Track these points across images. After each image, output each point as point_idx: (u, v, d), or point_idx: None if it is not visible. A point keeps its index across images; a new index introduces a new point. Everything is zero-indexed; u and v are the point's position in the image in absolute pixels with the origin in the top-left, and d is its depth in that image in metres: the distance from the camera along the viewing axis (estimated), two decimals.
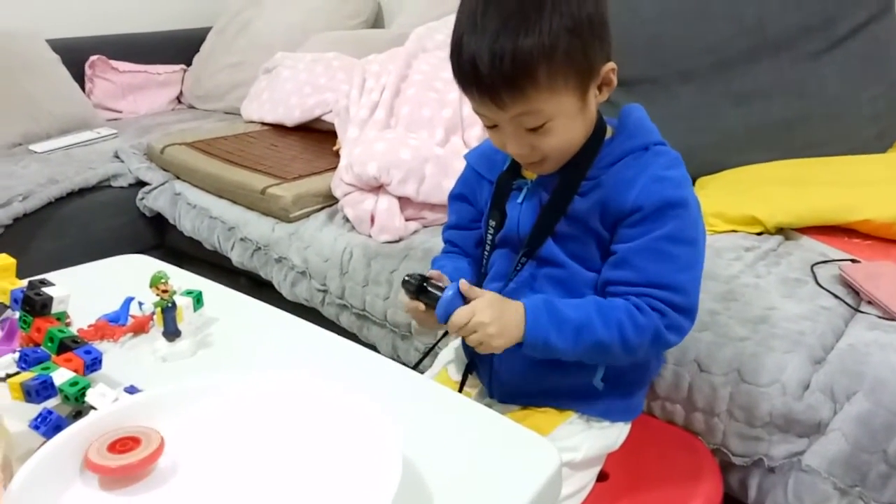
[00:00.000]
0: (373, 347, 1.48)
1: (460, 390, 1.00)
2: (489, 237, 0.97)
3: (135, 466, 0.61)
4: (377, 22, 2.77)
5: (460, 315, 0.82)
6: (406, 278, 0.86)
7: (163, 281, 0.90)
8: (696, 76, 1.74)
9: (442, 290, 0.83)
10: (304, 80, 2.21)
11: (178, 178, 2.06)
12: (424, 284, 0.85)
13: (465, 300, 0.83)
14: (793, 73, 1.64)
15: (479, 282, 0.98)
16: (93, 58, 2.71)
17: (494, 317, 0.82)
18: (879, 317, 1.09)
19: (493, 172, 0.98)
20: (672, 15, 1.77)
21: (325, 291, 1.57)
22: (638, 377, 0.96)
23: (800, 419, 0.96)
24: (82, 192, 2.03)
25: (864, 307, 1.14)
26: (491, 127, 0.85)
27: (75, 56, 2.65)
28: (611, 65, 0.82)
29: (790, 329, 1.06)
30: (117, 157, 2.17)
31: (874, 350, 0.99)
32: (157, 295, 0.89)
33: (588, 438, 0.93)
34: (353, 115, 1.72)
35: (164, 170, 2.11)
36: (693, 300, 0.84)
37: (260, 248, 1.71)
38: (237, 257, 1.78)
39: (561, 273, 0.89)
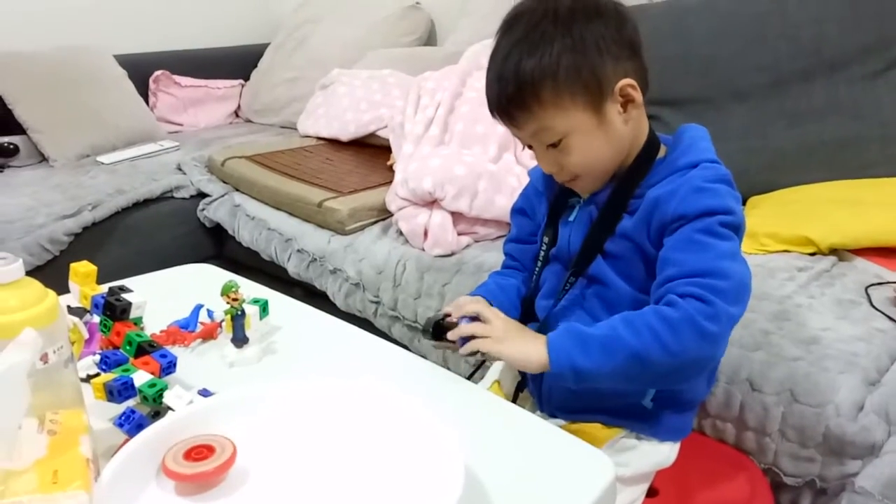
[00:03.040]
0: (424, 359, 1.51)
1: (514, 401, 1.02)
2: (542, 252, 0.99)
3: (209, 474, 0.63)
4: (430, 39, 2.82)
5: (475, 329, 0.86)
6: (424, 328, 0.91)
7: (234, 290, 0.95)
8: (750, 96, 1.74)
9: (455, 324, 0.87)
10: (360, 96, 2.27)
11: (238, 190, 2.13)
12: (441, 326, 0.89)
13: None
14: (848, 93, 1.63)
15: (530, 298, 1.01)
16: (157, 73, 2.82)
17: (503, 329, 0.86)
18: None
19: (551, 189, 1.01)
20: (727, 35, 1.78)
21: (377, 303, 1.61)
22: (689, 397, 0.95)
23: (853, 441, 0.96)
24: (147, 202, 2.12)
25: None
26: (529, 147, 0.90)
27: (140, 71, 2.76)
28: (627, 81, 0.83)
29: (844, 350, 1.05)
30: (180, 169, 2.26)
31: None
32: (228, 303, 0.94)
33: (637, 455, 0.94)
34: (407, 132, 1.76)
35: (224, 182, 2.18)
36: (736, 285, 0.78)
37: (315, 260, 1.76)
38: (293, 268, 1.83)
39: (609, 293, 0.90)
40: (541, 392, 1.00)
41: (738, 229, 0.84)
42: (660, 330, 0.77)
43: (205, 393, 0.82)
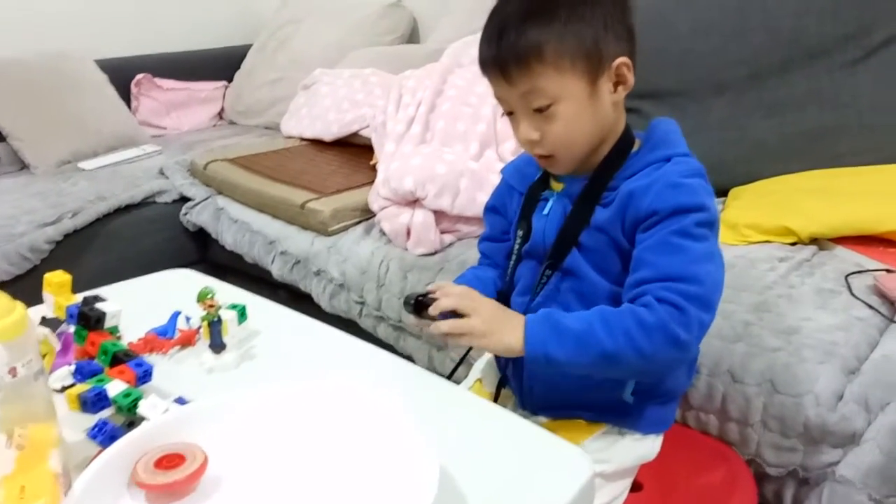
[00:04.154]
0: (409, 358, 1.51)
1: (494, 402, 1.02)
2: (516, 248, 0.99)
3: (180, 483, 0.63)
4: (413, 37, 2.82)
5: (455, 326, 0.84)
6: (406, 300, 0.89)
7: (209, 296, 0.94)
8: (730, 88, 1.75)
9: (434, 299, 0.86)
10: (343, 95, 2.26)
11: (221, 193, 2.12)
12: (422, 300, 0.87)
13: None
14: (827, 82, 1.64)
15: (506, 293, 1.01)
16: (138, 76, 2.81)
17: (486, 321, 0.84)
18: None
19: (524, 184, 1.00)
20: (706, 28, 1.78)
21: (362, 304, 1.61)
22: (669, 389, 0.95)
23: (834, 430, 0.97)
24: (129, 207, 2.11)
25: None
26: (509, 114, 0.89)
27: (122, 75, 2.75)
28: (623, 59, 0.84)
29: (823, 340, 1.06)
30: (162, 173, 2.25)
31: None
32: (204, 309, 0.93)
33: (619, 450, 0.94)
34: (389, 130, 1.76)
35: (207, 185, 2.17)
36: (708, 291, 0.79)
37: (299, 262, 1.76)
38: (277, 270, 1.82)
39: (584, 286, 0.90)
40: (521, 390, 1.01)
41: (712, 225, 0.84)
42: (634, 333, 0.78)
43: (181, 401, 0.81)
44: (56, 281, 0.97)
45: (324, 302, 1.70)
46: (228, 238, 2.00)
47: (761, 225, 1.45)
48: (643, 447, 0.96)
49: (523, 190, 1.00)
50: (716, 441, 1.09)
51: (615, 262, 0.88)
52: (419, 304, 0.88)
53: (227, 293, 1.13)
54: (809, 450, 1.00)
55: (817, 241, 1.42)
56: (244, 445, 0.69)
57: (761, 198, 1.59)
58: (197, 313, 0.95)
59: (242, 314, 0.97)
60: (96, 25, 2.84)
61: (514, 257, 1.00)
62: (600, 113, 0.86)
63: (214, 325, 0.92)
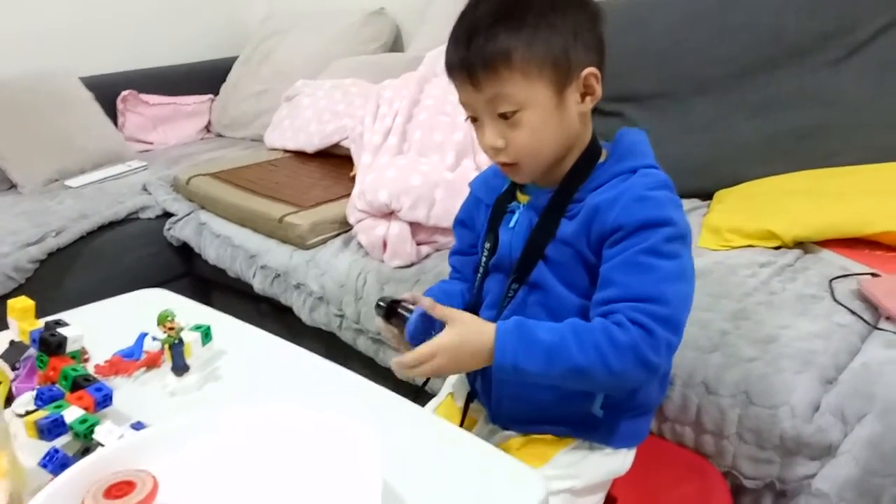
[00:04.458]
0: (388, 371, 1.49)
1: (463, 417, 1.01)
2: (483, 261, 0.98)
3: None
4: (396, 45, 2.80)
5: (422, 352, 0.82)
6: (378, 302, 0.88)
7: (169, 319, 0.94)
8: (712, 88, 1.73)
9: (411, 311, 0.84)
10: (324, 106, 2.25)
11: (203, 208, 2.11)
12: (395, 307, 0.86)
13: (431, 320, 0.83)
14: (812, 81, 1.62)
15: (474, 307, 0.99)
16: (124, 93, 2.80)
17: (452, 360, 0.82)
18: None
19: (491, 196, 0.99)
20: (684, 27, 1.77)
21: (341, 317, 1.59)
22: (639, 403, 0.93)
23: (809, 442, 0.94)
24: (112, 224, 2.09)
25: (882, 324, 1.10)
26: (473, 121, 0.87)
27: (108, 91, 2.73)
28: (592, 70, 0.83)
29: (801, 348, 1.04)
30: (145, 189, 2.23)
31: (888, 370, 0.96)
32: (165, 332, 0.92)
33: (589, 465, 0.93)
34: (366, 142, 1.74)
35: (190, 200, 2.16)
36: (676, 312, 0.79)
37: (279, 276, 1.74)
38: (258, 284, 1.81)
39: (551, 299, 0.89)
40: (490, 404, 0.99)
41: (684, 238, 0.83)
42: (606, 351, 0.78)
43: (138, 426, 0.81)
44: (19, 307, 0.97)
45: (304, 315, 1.68)
46: (211, 253, 1.98)
47: (743, 229, 1.43)
48: (614, 462, 0.94)
49: (491, 202, 0.99)
50: (692, 453, 1.07)
51: (582, 275, 0.87)
52: (390, 310, 0.87)
53: (198, 312, 1.12)
54: (786, 462, 0.97)
55: (802, 245, 1.39)
56: (195, 471, 0.69)
57: (745, 201, 1.57)
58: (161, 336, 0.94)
59: (207, 335, 0.97)
60: (80, 43, 2.82)
61: (481, 270, 0.99)
62: (566, 122, 0.85)
63: (176, 347, 0.91)
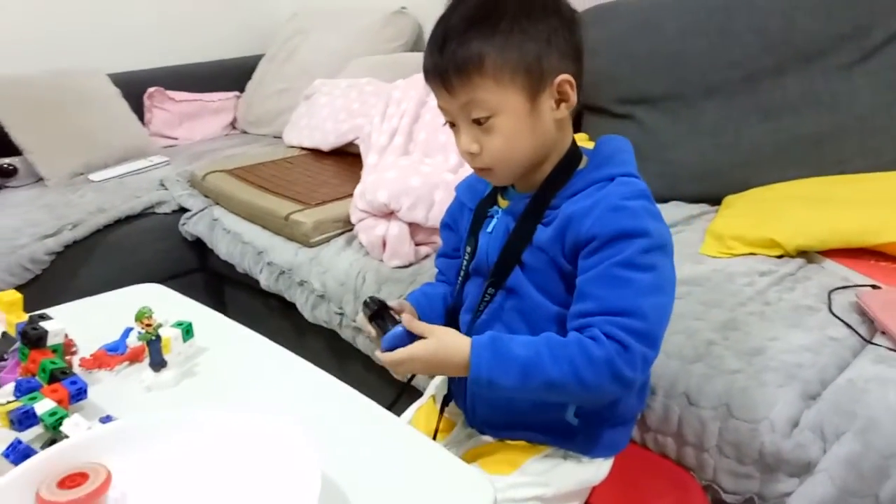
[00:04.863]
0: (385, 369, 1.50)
1: (439, 420, 1.01)
2: (464, 265, 0.98)
3: (82, 500, 0.65)
4: (418, 44, 2.80)
5: (395, 358, 0.84)
6: (367, 300, 0.88)
7: (146, 315, 0.96)
8: (722, 91, 1.70)
9: (396, 322, 0.85)
10: (340, 105, 2.27)
11: (217, 204, 2.14)
12: (381, 311, 0.87)
13: (411, 336, 0.84)
14: (823, 85, 1.57)
15: (454, 310, 0.99)
16: (150, 89, 2.85)
17: (427, 367, 0.84)
18: (890, 349, 1.03)
19: (474, 200, 1.00)
20: (695, 31, 1.74)
21: (342, 314, 1.60)
22: (617, 413, 0.93)
23: (788, 458, 0.92)
24: (129, 218, 2.14)
25: (877, 338, 1.07)
26: (451, 126, 0.88)
27: (135, 88, 2.79)
28: (566, 77, 0.82)
29: (787, 362, 1.01)
30: (162, 185, 2.27)
31: (873, 387, 0.93)
32: (142, 328, 0.94)
33: (561, 473, 0.92)
34: (373, 142, 1.75)
35: (206, 196, 2.19)
36: (653, 326, 0.79)
37: (284, 272, 1.76)
38: (265, 280, 1.83)
39: (525, 305, 0.89)
40: (467, 408, 0.99)
41: (663, 248, 0.82)
42: (580, 366, 0.78)
43: (106, 420, 0.83)
44: (7, 300, 1.00)
45: (307, 312, 1.70)
46: (222, 248, 2.01)
47: (745, 236, 1.40)
48: (587, 471, 0.94)
49: (473, 206, 0.99)
50: (673, 465, 1.05)
51: (557, 282, 0.87)
52: (375, 313, 0.88)
53: (191, 309, 1.14)
54: (766, 478, 0.95)
55: (806, 254, 1.36)
56: (148, 467, 0.70)
57: (752, 206, 1.54)
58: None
59: (188, 332, 0.98)
60: (110, 41, 2.89)
61: (462, 274, 0.99)
62: (540, 129, 0.84)
63: (153, 343, 0.93)
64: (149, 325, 0.94)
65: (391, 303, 0.90)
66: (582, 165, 0.90)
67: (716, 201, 1.68)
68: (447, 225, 1.07)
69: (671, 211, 1.66)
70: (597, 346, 0.78)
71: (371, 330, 0.89)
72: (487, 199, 0.97)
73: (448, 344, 0.84)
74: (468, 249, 0.97)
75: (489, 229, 0.94)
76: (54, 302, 1.18)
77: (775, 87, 1.63)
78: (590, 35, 2.01)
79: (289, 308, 1.80)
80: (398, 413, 1.10)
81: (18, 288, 1.86)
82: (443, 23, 0.84)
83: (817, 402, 0.95)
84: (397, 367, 0.85)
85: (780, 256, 1.36)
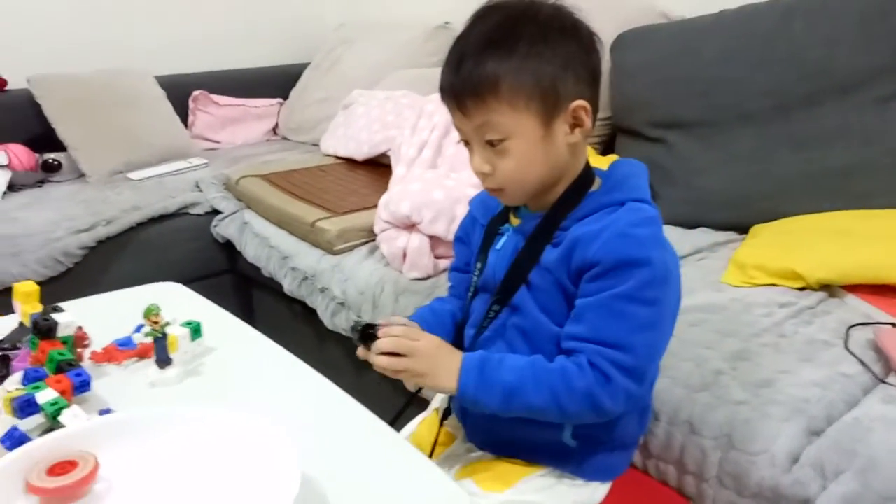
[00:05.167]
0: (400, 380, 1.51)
1: (437, 434, 1.01)
2: (473, 280, 0.98)
3: (70, 487, 0.67)
4: None
5: (399, 344, 0.84)
6: (353, 326, 0.89)
7: (154, 313, 0.98)
8: (756, 120, 1.67)
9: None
10: (375, 116, 2.30)
11: (249, 207, 2.18)
12: (368, 331, 0.86)
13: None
14: (857, 118, 1.54)
15: (463, 324, 1.00)
16: (195, 92, 2.93)
17: (427, 365, 0.84)
18: None
19: (486, 216, 1.00)
20: (733, 57, 1.72)
21: None
22: (613, 437, 0.92)
23: (787, 494, 0.90)
24: (162, 218, 2.20)
25: (891, 378, 1.04)
26: (466, 144, 0.88)
27: (181, 91, 2.87)
28: (581, 102, 0.83)
29: (794, 396, 0.99)
30: (197, 186, 2.33)
31: (878, 426, 0.91)
32: (150, 325, 0.96)
33: (555, 494, 0.92)
34: (403, 154, 1.77)
35: (238, 200, 2.24)
36: (642, 363, 0.80)
37: (307, 278, 1.78)
38: (288, 285, 1.86)
39: (528, 324, 0.89)
40: (466, 423, 0.99)
41: (664, 280, 0.81)
42: (561, 394, 0.80)
43: (105, 413, 0.84)
44: (23, 290, 1.03)
45: (326, 319, 1.72)
46: (250, 251, 2.05)
47: (768, 267, 1.37)
48: (582, 494, 0.93)
49: (485, 222, 1.00)
50: (674, 493, 1.03)
51: (561, 303, 0.87)
52: (366, 334, 0.89)
53: (206, 310, 1.17)
54: None
55: (828, 288, 1.33)
56: (137, 458, 0.72)
57: (778, 237, 1.51)
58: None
59: (196, 332, 1.00)
60: (161, 45, 2.98)
61: (471, 290, 0.99)
62: (553, 154, 0.85)
63: (159, 340, 0.95)
64: (156, 323, 0.97)
65: (379, 320, 0.90)
66: (595, 188, 0.90)
67: (744, 230, 1.65)
68: (460, 239, 1.07)
69: (697, 237, 1.64)
70: (580, 376, 0.79)
71: (368, 355, 0.87)
72: (499, 216, 0.97)
73: (446, 350, 0.86)
74: (478, 265, 0.97)
75: (498, 246, 0.94)
76: (84, 296, 1.23)
77: (809, 117, 1.60)
78: (626, 58, 2.03)
79: (311, 314, 1.83)
80: (405, 423, 1.11)
81: (50, 280, 1.93)
82: (461, 42, 0.85)
83: (820, 438, 0.93)
84: (396, 361, 0.84)
85: (802, 289, 1.34)
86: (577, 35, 0.84)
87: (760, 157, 1.65)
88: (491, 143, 0.83)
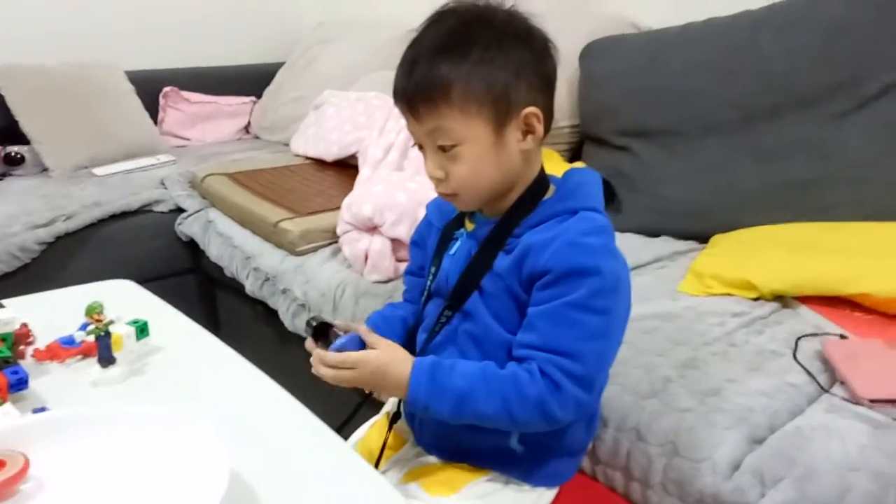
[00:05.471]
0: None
1: (386, 437, 1.01)
2: (427, 284, 0.98)
3: None
4: None
5: (345, 359, 0.83)
6: (309, 320, 0.88)
7: (97, 311, 0.97)
8: (719, 130, 1.70)
9: (339, 337, 0.85)
10: (346, 117, 2.29)
11: (214, 206, 2.16)
12: (323, 329, 0.87)
13: (362, 346, 0.85)
14: (816, 131, 1.57)
15: (416, 328, 0.99)
16: (166, 89, 2.90)
17: (372, 377, 0.84)
18: (845, 399, 1.01)
19: (442, 221, 1.00)
20: (699, 68, 1.74)
21: None
22: (561, 443, 0.92)
23: (727, 500, 0.90)
24: (125, 214, 2.17)
25: (835, 388, 1.05)
26: (420, 149, 0.88)
27: (152, 87, 2.85)
28: (533, 109, 0.83)
29: (739, 404, 1.00)
30: (162, 184, 2.30)
31: (818, 435, 0.92)
32: (93, 323, 0.95)
33: (500, 499, 0.92)
34: (369, 155, 1.77)
35: (203, 198, 2.22)
36: (591, 371, 0.81)
37: (269, 279, 1.77)
38: (250, 286, 1.85)
39: (479, 331, 0.89)
40: (414, 427, 0.99)
41: (614, 289, 0.82)
42: (512, 402, 0.80)
43: (39, 411, 0.83)
44: None
45: (287, 320, 1.71)
46: (213, 250, 2.03)
47: (724, 276, 1.38)
48: (527, 499, 0.93)
49: (441, 226, 0.99)
50: (621, 500, 1.03)
51: (512, 311, 0.87)
52: (318, 331, 0.88)
53: (154, 307, 1.16)
54: None
55: (782, 299, 1.35)
56: (68, 458, 0.72)
57: (736, 247, 1.53)
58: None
59: (143, 331, 0.99)
60: (132, 38, 2.95)
61: (425, 294, 0.99)
62: (506, 160, 0.85)
63: (102, 339, 0.94)
64: (98, 321, 0.95)
65: (336, 322, 0.90)
66: (549, 195, 0.90)
67: (705, 240, 1.66)
68: (416, 242, 1.07)
69: (659, 246, 1.66)
70: (531, 384, 0.79)
71: (315, 349, 0.88)
72: (455, 220, 0.97)
73: (398, 360, 0.85)
74: (432, 270, 0.97)
75: (452, 251, 0.94)
76: (41, 292, 1.21)
77: (770, 130, 1.62)
78: (595, 67, 2.04)
79: (272, 315, 1.81)
80: (357, 426, 1.10)
81: (6, 276, 1.90)
82: (414, 45, 0.85)
83: (762, 446, 0.94)
84: (341, 374, 0.84)
85: (756, 299, 1.35)
86: (530, 41, 0.84)
87: (724, 168, 1.67)
88: (443, 149, 0.83)
